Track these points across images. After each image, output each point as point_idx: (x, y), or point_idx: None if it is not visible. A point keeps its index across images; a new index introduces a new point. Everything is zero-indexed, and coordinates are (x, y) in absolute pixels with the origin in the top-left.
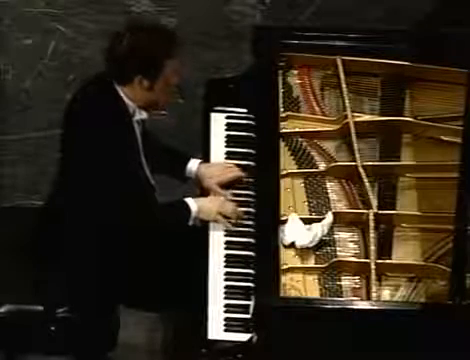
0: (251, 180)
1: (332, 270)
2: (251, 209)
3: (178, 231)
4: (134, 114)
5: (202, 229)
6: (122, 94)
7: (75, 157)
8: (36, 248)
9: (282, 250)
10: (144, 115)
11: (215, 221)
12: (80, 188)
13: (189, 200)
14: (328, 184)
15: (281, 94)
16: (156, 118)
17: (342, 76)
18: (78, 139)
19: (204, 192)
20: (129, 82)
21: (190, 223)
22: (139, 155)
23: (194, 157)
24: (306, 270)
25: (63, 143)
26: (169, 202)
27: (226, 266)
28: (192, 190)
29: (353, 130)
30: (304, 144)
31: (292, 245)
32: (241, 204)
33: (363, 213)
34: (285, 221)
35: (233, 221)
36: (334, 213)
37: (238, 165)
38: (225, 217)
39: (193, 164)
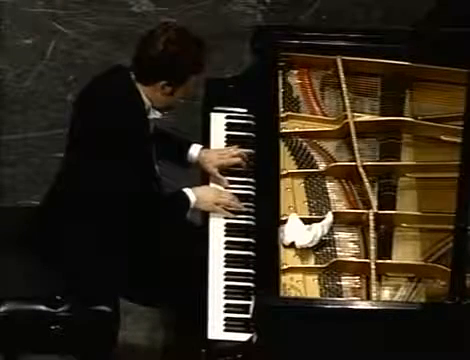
0: (251, 180)
1: (332, 270)
2: (251, 209)
3: (176, 222)
4: (149, 113)
5: (202, 228)
6: (142, 92)
7: (85, 149)
8: (36, 245)
9: (282, 250)
10: (158, 115)
11: (213, 211)
12: (88, 179)
13: (187, 190)
14: (328, 184)
15: (281, 94)
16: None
17: (342, 76)
18: (92, 130)
19: (205, 178)
20: (152, 84)
21: (188, 214)
22: (150, 152)
23: (196, 143)
24: (306, 270)
25: (73, 132)
26: (167, 193)
27: (226, 266)
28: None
29: (353, 130)
30: (304, 144)
31: (292, 245)
32: (237, 203)
33: (363, 213)
34: (285, 221)
35: (232, 210)
36: (334, 213)
37: (238, 165)
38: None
39: (194, 150)
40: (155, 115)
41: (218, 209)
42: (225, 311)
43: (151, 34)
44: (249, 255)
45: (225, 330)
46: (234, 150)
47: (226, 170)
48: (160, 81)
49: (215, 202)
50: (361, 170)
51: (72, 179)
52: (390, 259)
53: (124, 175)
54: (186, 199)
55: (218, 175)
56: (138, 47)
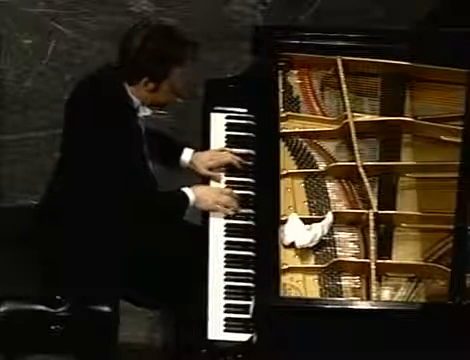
0: (251, 180)
1: (332, 270)
2: (251, 209)
3: (176, 221)
4: (138, 110)
5: (202, 228)
6: (129, 91)
7: (78, 150)
8: (35, 245)
9: (282, 250)
10: (148, 112)
11: (214, 210)
12: (82, 180)
13: (186, 189)
14: (328, 184)
15: (281, 94)
16: (155, 118)
17: (342, 76)
18: (83, 131)
19: (206, 179)
20: (136, 83)
21: (187, 213)
22: (142, 150)
23: (189, 147)
24: (306, 270)
25: (64, 138)
26: (167, 191)
27: (226, 266)
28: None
29: (353, 130)
30: (304, 144)
31: (292, 245)
32: (241, 204)
33: (363, 213)
34: (285, 221)
35: (231, 210)
36: (334, 213)
37: (239, 154)
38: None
39: (186, 154)
40: (145, 113)
41: (219, 208)
42: (225, 311)
43: (129, 32)
44: (249, 255)
45: (225, 330)
46: (224, 151)
47: (226, 171)
48: (141, 78)
49: (215, 201)
50: (361, 170)
51: (67, 179)
52: (390, 259)
53: (116, 174)
54: (185, 198)
55: (210, 173)
56: (119, 47)
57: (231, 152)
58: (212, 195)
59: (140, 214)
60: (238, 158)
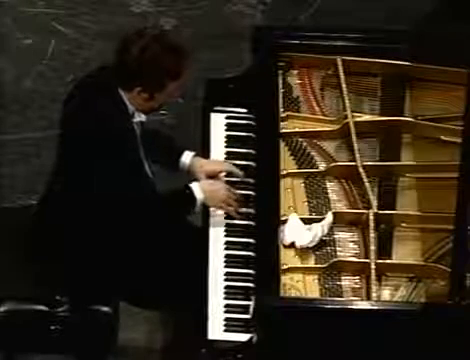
0: (251, 180)
1: (332, 270)
2: (251, 209)
3: (185, 218)
4: (133, 116)
5: (202, 229)
6: (124, 97)
7: (75, 155)
8: (35, 245)
9: (282, 250)
10: (143, 118)
11: (220, 208)
12: (79, 181)
13: (194, 186)
14: (328, 184)
15: (281, 94)
16: (156, 118)
17: (342, 76)
18: (78, 132)
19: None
20: (130, 90)
21: (197, 209)
22: (139, 155)
23: (189, 149)
24: (306, 270)
25: (62, 139)
26: (174, 189)
27: (226, 266)
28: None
29: (353, 130)
30: (304, 144)
31: (292, 245)
32: (241, 204)
33: (363, 213)
34: (285, 221)
35: (235, 210)
36: (334, 213)
37: (238, 165)
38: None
39: (186, 157)
40: (140, 118)
41: (223, 206)
42: (225, 311)
43: (126, 40)
44: (249, 255)
45: (225, 330)
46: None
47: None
48: (135, 87)
49: (223, 201)
50: (361, 170)
51: (65, 179)
52: (390, 259)
53: (111, 176)
54: (192, 198)
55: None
56: (115, 52)
57: (233, 164)
58: (221, 196)
59: (134, 214)
60: (237, 170)
